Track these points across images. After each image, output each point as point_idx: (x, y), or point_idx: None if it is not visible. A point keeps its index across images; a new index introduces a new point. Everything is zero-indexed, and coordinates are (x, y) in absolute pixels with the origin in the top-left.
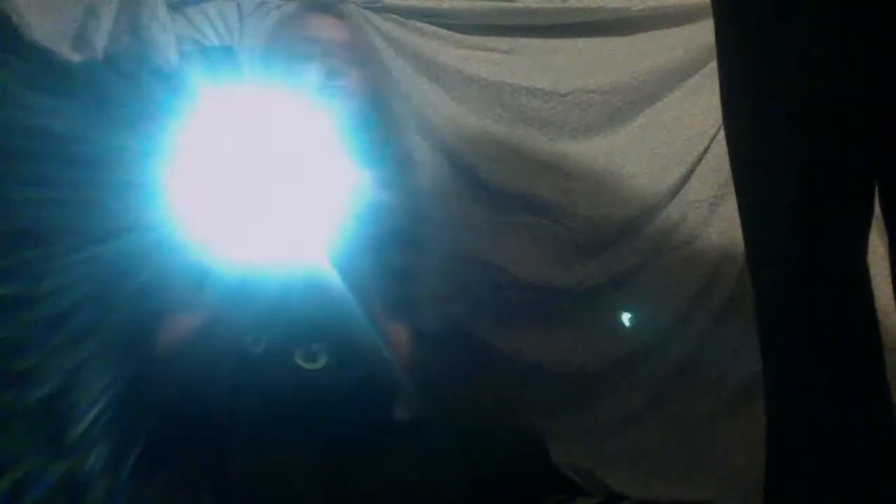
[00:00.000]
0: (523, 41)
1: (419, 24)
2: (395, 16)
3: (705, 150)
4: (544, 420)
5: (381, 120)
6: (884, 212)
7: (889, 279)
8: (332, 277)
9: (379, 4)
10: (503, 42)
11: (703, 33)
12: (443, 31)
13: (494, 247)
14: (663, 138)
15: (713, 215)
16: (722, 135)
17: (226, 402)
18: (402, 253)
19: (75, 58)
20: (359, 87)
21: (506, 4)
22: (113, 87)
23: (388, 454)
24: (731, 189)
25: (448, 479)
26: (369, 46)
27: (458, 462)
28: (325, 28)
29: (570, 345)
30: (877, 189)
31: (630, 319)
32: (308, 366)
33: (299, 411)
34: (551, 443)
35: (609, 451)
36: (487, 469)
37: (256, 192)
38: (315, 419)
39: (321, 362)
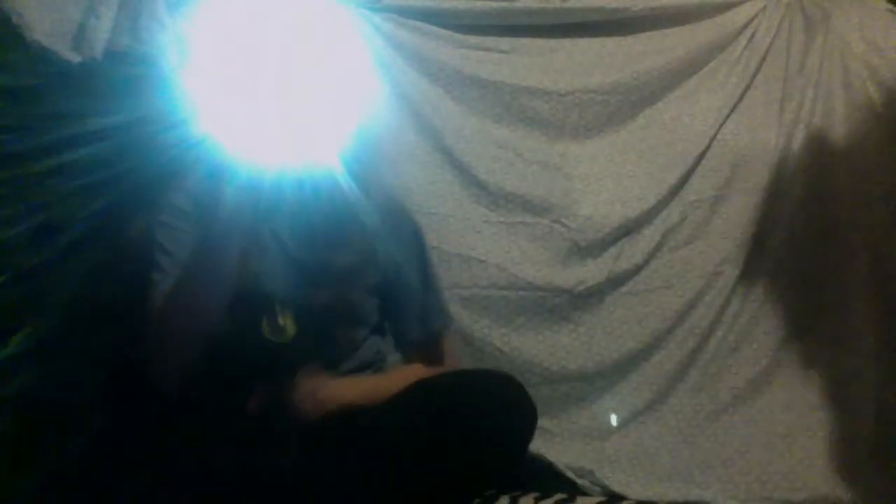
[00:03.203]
0: (523, 41)
1: (419, 24)
2: (395, 16)
3: (705, 150)
4: (544, 420)
5: None
6: None
7: None
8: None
9: (379, 4)
10: (503, 42)
11: (703, 33)
12: (443, 31)
13: (494, 247)
14: (663, 138)
15: (713, 215)
16: (722, 135)
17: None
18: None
19: (75, 58)
20: None
21: (506, 4)
22: (113, 87)
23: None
24: (731, 189)
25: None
26: None
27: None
28: None
29: (570, 345)
30: None
31: (630, 319)
32: (276, 339)
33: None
34: (551, 443)
35: (609, 451)
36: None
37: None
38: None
39: (290, 333)
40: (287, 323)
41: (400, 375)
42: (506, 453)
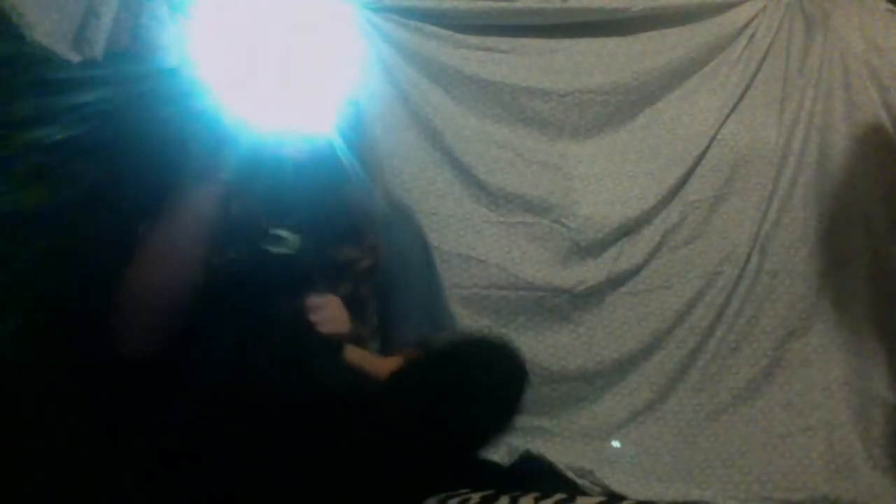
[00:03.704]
0: (523, 41)
1: (419, 24)
2: (395, 16)
3: (705, 150)
4: (544, 420)
5: None
6: None
7: None
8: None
9: (379, 5)
10: (503, 42)
11: (703, 33)
12: (443, 31)
13: (494, 247)
14: (663, 138)
15: (713, 215)
16: (722, 135)
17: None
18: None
19: (75, 58)
20: None
21: (506, 4)
22: (113, 87)
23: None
24: (731, 189)
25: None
26: None
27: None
28: None
29: (570, 345)
30: None
31: (630, 319)
32: (279, 250)
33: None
34: (551, 443)
35: (609, 451)
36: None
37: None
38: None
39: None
40: (289, 235)
41: (395, 362)
42: (499, 413)
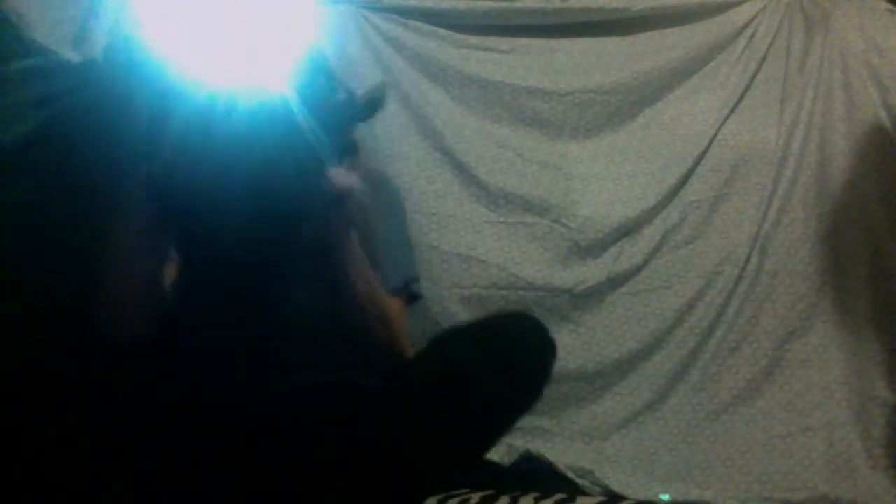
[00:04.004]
0: (523, 41)
1: (419, 24)
2: (395, 16)
3: (705, 150)
4: (544, 420)
5: None
6: None
7: None
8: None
9: (379, 4)
10: (503, 42)
11: (703, 33)
12: (443, 31)
13: (494, 247)
14: (663, 138)
15: (713, 215)
16: (722, 135)
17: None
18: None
19: (75, 58)
20: None
21: (506, 4)
22: (113, 87)
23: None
24: (731, 189)
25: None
26: None
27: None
28: None
29: (570, 345)
30: None
31: (630, 319)
32: None
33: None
34: (551, 443)
35: (609, 451)
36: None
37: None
38: None
39: None
40: None
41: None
42: (532, 385)
